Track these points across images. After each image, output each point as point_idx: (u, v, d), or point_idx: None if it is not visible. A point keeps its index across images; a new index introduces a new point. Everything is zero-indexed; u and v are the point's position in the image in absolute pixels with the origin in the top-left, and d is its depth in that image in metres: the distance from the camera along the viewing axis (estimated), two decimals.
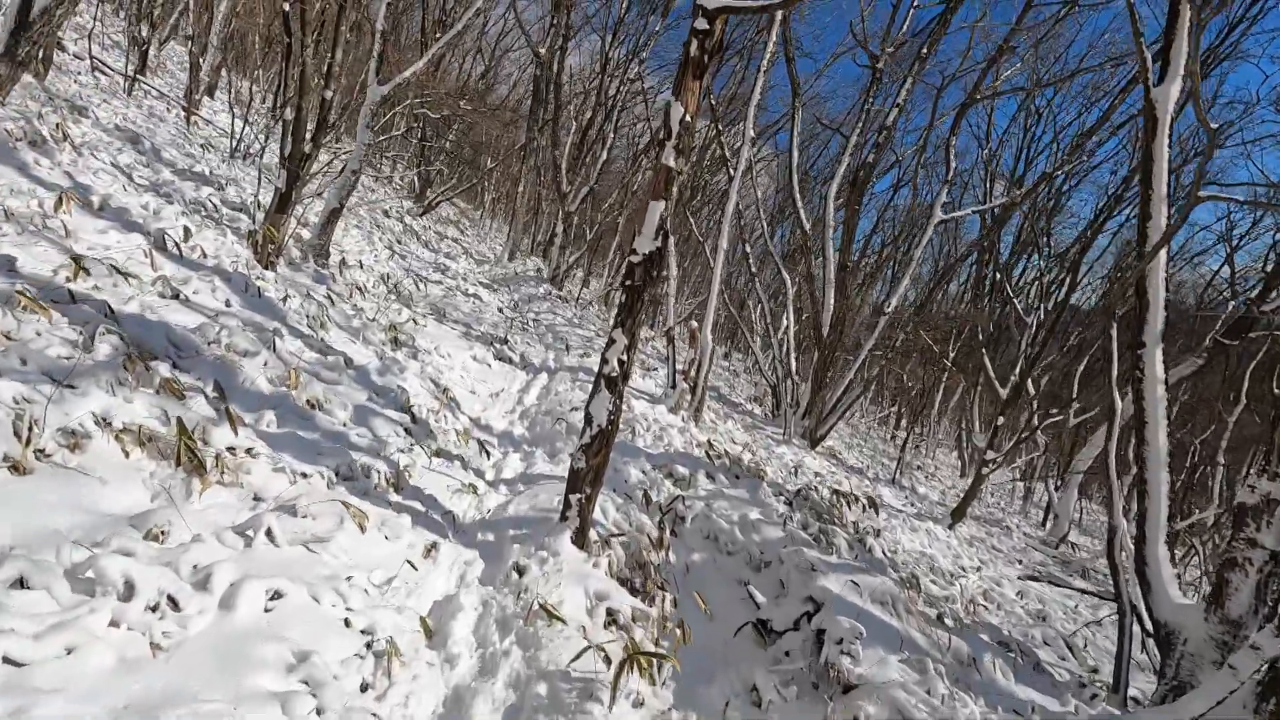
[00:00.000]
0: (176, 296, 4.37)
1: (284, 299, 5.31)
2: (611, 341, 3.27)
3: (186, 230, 5.51)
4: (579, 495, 3.42)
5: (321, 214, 7.68)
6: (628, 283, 3.19)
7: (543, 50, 17.89)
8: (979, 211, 12.33)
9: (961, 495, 16.53)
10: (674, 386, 8.32)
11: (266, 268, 6.37)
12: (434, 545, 3.35)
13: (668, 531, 4.90)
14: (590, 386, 8.39)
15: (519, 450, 6.02)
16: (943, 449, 29.03)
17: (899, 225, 19.94)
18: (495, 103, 27.13)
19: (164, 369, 3.20)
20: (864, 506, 5.89)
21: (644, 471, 5.86)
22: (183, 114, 13.18)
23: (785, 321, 13.72)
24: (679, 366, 8.49)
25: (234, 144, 11.54)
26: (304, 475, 3.22)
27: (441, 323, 8.56)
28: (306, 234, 8.10)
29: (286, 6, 6.40)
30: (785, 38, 10.92)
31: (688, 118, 2.96)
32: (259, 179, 6.55)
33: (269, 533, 2.61)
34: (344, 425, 4.09)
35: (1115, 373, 5.21)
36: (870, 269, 17.49)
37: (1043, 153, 21.30)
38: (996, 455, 9.75)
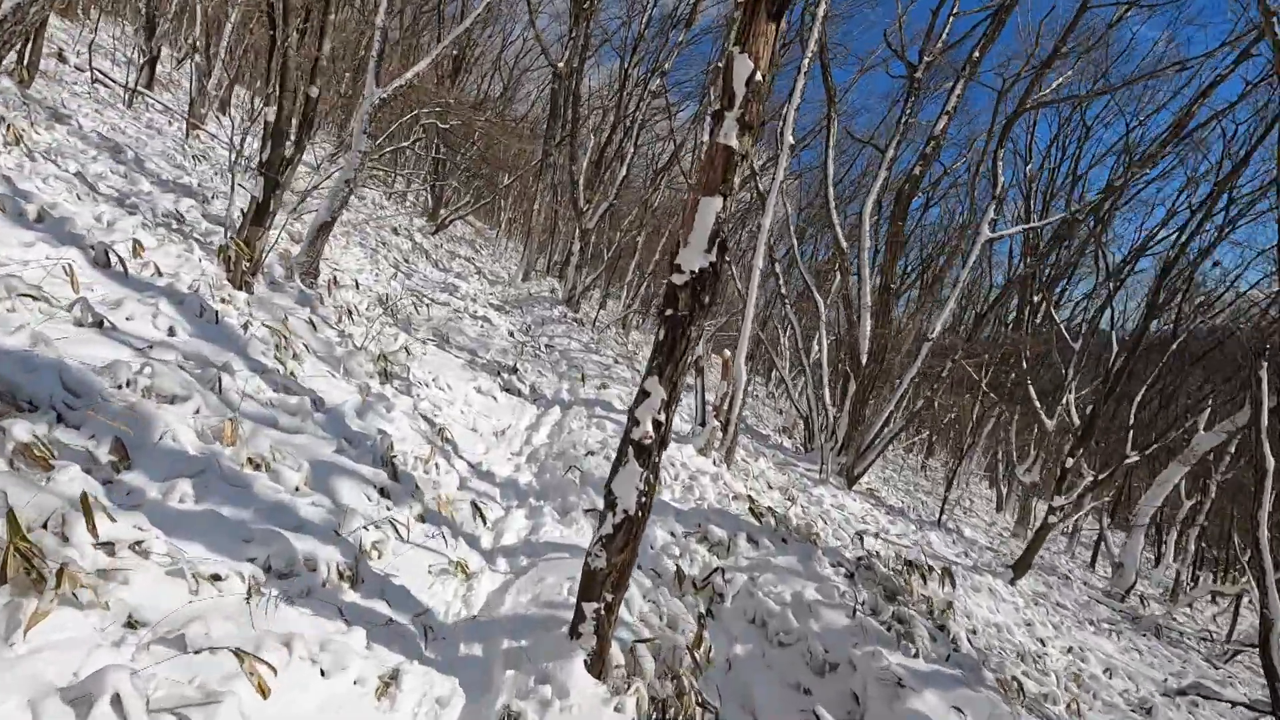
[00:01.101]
0: (100, 325, 3.52)
1: (245, 325, 4.45)
2: (644, 395, 2.33)
3: (136, 244, 4.69)
4: (597, 605, 2.47)
5: (311, 228, 6.88)
6: (669, 312, 2.26)
7: (560, 64, 17.27)
8: (1030, 229, 11.33)
9: (1007, 535, 15.26)
10: (703, 424, 7.35)
11: (239, 288, 5.55)
12: (395, 674, 2.41)
13: (706, 619, 3.93)
14: (609, 423, 7.46)
15: (524, 505, 5.09)
16: (973, 477, 27.72)
17: (929, 245, 18.92)
18: (513, 119, 26.68)
19: (22, 429, 2.31)
20: (941, 580, 4.89)
21: (673, 534, 4.89)
22: (187, 127, 12.62)
23: (816, 346, 12.74)
24: (708, 400, 7.54)
25: (233, 155, 10.90)
26: (215, 578, 2.31)
27: (444, 349, 7.70)
28: (297, 249, 7.32)
29: None
30: (822, 41, 10.11)
31: (758, 76, 2.04)
32: (233, 186, 5.75)
33: (116, 701, 1.69)
34: (295, 491, 3.18)
35: (1264, 423, 4.20)
36: (897, 291, 16.44)
37: (1078, 169, 20.14)
38: (1064, 501, 8.64)
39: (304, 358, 4.99)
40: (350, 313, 6.88)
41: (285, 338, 4.78)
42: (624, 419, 7.42)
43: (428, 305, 9.17)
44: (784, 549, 4.98)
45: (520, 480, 5.60)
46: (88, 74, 12.33)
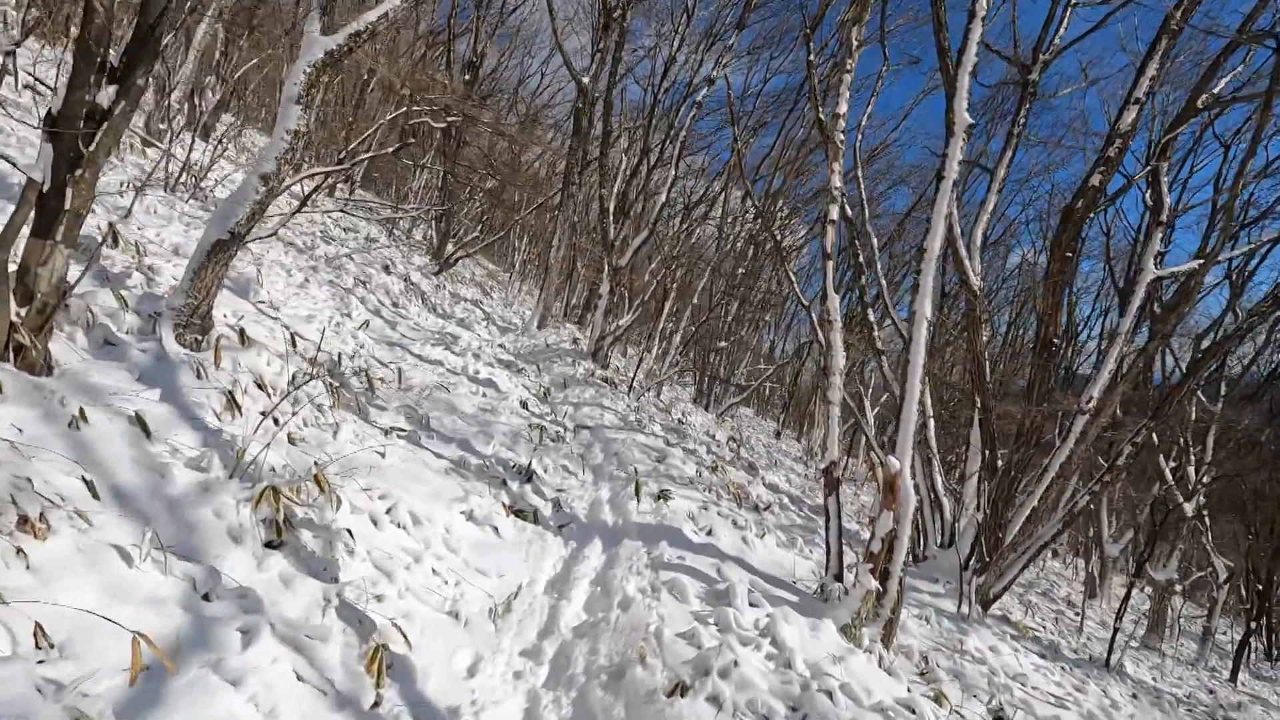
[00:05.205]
0: None
1: None
2: None
3: None
4: None
5: (197, 250, 4.16)
6: None
7: (586, 80, 14.91)
8: (1211, 263, 8.52)
9: (1137, 646, 11.81)
10: (840, 578, 4.44)
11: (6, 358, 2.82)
12: None
13: None
14: (690, 582, 4.19)
15: None
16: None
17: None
18: (531, 157, 24.51)
19: None
20: None
21: None
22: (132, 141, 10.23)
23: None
24: (845, 533, 4.63)
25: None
26: None
27: (418, 445, 4.88)
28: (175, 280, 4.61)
29: None
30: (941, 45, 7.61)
31: None
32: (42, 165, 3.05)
33: None
34: None
35: None
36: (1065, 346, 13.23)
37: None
38: None
39: (60, 529, 2.20)
40: (257, 389, 4.10)
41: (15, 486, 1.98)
42: (714, 569, 4.34)
43: (399, 370, 6.38)
44: None
45: None
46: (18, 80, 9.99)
